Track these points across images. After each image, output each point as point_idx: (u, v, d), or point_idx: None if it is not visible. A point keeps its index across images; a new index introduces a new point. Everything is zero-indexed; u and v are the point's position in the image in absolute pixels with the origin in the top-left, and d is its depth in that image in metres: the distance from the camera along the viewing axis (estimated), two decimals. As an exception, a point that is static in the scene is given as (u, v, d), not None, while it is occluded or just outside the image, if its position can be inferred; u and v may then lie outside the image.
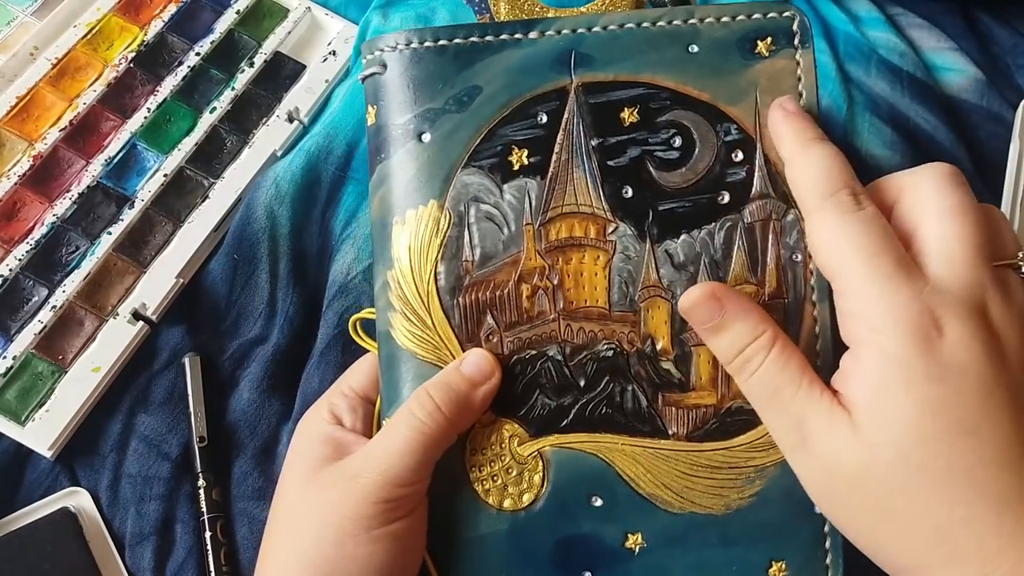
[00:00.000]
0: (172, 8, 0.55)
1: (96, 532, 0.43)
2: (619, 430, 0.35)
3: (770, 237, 0.35)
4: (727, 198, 0.35)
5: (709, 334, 0.32)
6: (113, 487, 0.44)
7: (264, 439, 0.45)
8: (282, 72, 0.55)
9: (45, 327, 0.46)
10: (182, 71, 0.53)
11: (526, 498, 0.35)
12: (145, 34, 0.54)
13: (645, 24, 0.36)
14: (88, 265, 0.47)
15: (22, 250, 0.47)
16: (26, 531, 0.43)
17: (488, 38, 0.36)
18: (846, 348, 0.31)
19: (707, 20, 0.36)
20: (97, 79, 0.52)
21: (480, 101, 0.36)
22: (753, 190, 0.35)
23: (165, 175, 0.50)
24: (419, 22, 0.55)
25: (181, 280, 0.48)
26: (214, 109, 0.53)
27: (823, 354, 0.34)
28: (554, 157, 0.36)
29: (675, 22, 0.36)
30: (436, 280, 0.35)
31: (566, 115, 0.36)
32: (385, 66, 0.37)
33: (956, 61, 0.54)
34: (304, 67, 0.55)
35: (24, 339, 0.45)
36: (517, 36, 0.36)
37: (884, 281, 0.29)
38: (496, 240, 0.36)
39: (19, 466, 0.45)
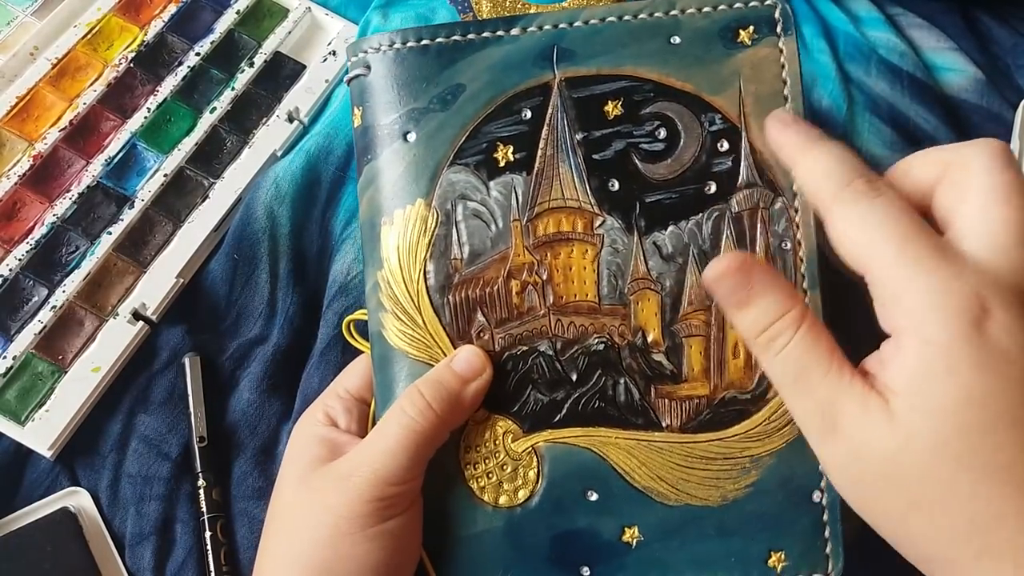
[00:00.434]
0: (172, 8, 0.55)
1: (96, 532, 0.43)
2: (612, 423, 0.35)
3: (758, 226, 0.35)
4: (714, 188, 0.35)
5: (733, 309, 0.30)
6: (113, 487, 0.44)
7: (264, 439, 0.45)
8: (282, 72, 0.55)
9: (45, 327, 0.46)
10: (182, 71, 0.53)
11: (521, 494, 0.35)
12: (145, 34, 0.54)
13: (626, 17, 0.36)
14: (88, 265, 0.47)
15: (22, 250, 0.47)
16: (26, 531, 0.43)
17: (470, 36, 0.36)
18: (841, 337, 0.31)
19: (688, 11, 0.36)
20: (97, 79, 0.52)
21: (464, 99, 0.36)
22: (740, 179, 0.35)
23: (165, 175, 0.50)
24: (419, 22, 0.55)
25: (181, 280, 0.48)
26: (214, 109, 0.53)
27: None
28: (539, 152, 0.36)
29: (656, 14, 0.36)
30: (425, 279, 0.36)
31: (550, 110, 0.36)
32: (369, 67, 0.37)
33: (956, 61, 0.54)
34: (304, 67, 0.55)
35: (24, 339, 0.45)
36: (499, 33, 0.36)
37: (919, 265, 0.27)
38: (484, 237, 0.36)
39: (19, 466, 0.45)
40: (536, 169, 0.36)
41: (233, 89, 0.53)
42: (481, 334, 0.35)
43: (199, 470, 0.44)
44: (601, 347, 0.35)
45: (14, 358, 0.45)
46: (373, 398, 0.37)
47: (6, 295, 0.46)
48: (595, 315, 0.35)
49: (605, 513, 0.35)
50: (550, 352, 0.35)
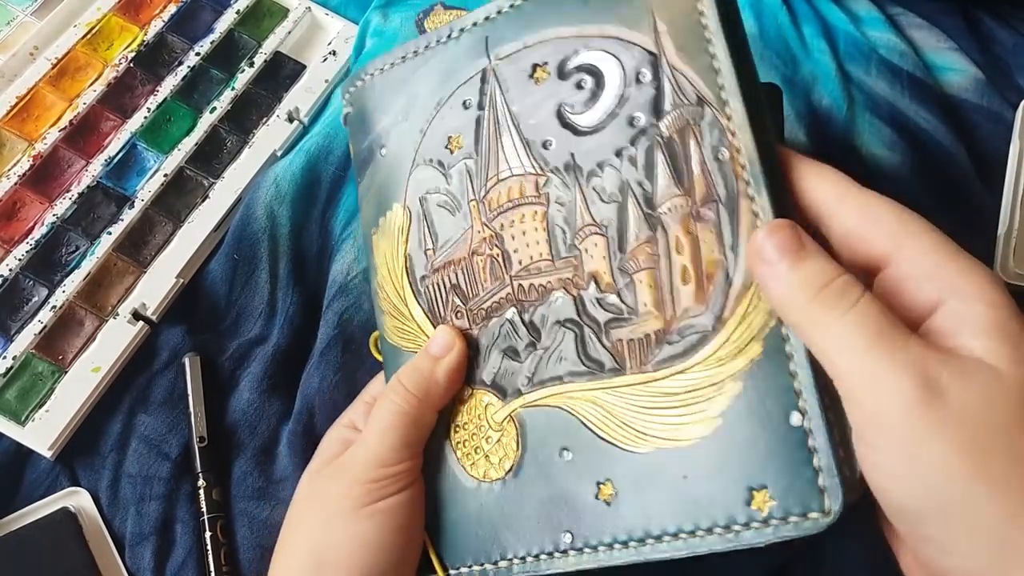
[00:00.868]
0: (172, 8, 0.55)
1: (96, 532, 0.43)
2: (579, 377, 0.34)
3: (691, 143, 0.33)
4: (642, 119, 0.34)
5: (790, 262, 0.28)
6: (113, 487, 0.44)
7: (264, 439, 0.45)
8: (282, 72, 0.55)
9: (45, 327, 0.46)
10: (182, 71, 0.53)
11: (505, 465, 0.35)
12: (145, 34, 0.54)
13: None
14: (88, 265, 0.47)
15: (22, 250, 0.47)
16: (26, 531, 0.43)
17: (418, 50, 0.40)
18: None
19: None
20: (97, 79, 0.52)
21: (419, 106, 0.39)
22: (665, 103, 0.34)
23: (165, 175, 0.50)
24: (419, 22, 0.55)
25: (181, 280, 0.48)
26: (214, 109, 0.53)
27: None
28: (483, 132, 0.37)
29: None
30: (407, 274, 0.39)
31: (488, 93, 0.38)
32: (352, 105, 0.42)
33: (956, 61, 0.54)
34: (304, 67, 0.55)
35: (24, 339, 0.45)
36: (441, 41, 0.39)
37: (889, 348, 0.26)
38: (450, 223, 0.38)
39: (19, 466, 0.45)
40: (482, 149, 0.37)
41: (233, 89, 0.53)
42: (456, 315, 0.37)
43: (199, 470, 0.44)
44: (559, 303, 0.35)
45: (14, 358, 0.45)
46: None
47: (6, 295, 0.46)
48: (552, 272, 0.35)
49: (581, 471, 0.33)
50: (516, 318, 0.36)
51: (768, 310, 0.30)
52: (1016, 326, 0.27)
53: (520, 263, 0.36)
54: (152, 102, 0.52)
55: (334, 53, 0.55)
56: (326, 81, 0.54)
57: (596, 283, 0.34)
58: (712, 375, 0.31)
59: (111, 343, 0.46)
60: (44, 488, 0.45)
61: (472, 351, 0.37)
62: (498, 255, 0.37)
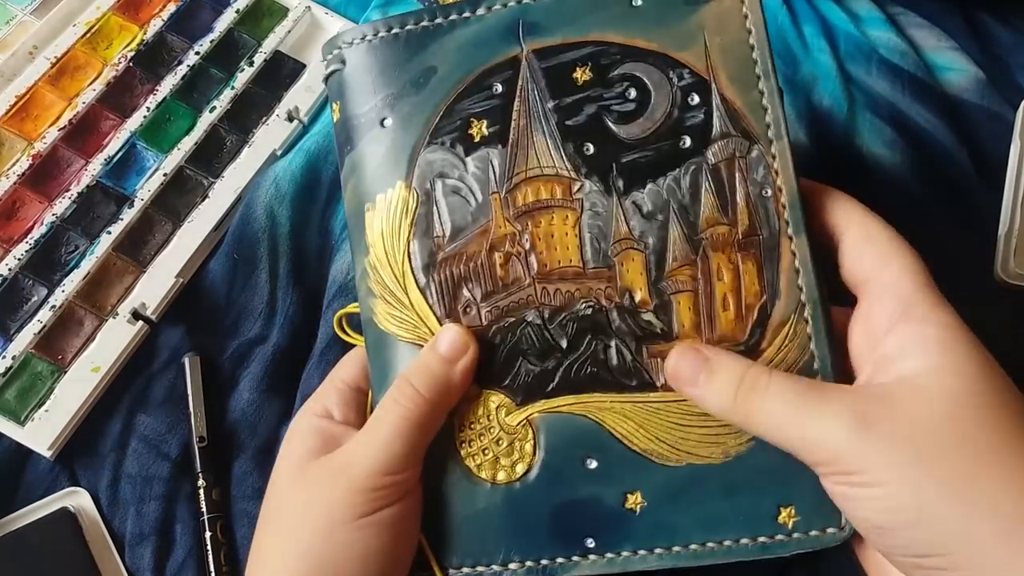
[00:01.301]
0: (172, 7, 0.55)
1: (96, 532, 0.43)
2: (606, 388, 0.34)
3: (736, 175, 0.34)
4: (688, 142, 0.35)
5: (704, 381, 0.32)
6: (113, 487, 0.44)
7: (264, 439, 0.45)
8: (282, 71, 0.55)
9: (45, 327, 0.46)
10: (182, 70, 0.53)
11: (519, 468, 0.35)
12: (145, 33, 0.54)
13: None
14: (88, 265, 0.47)
15: (21, 250, 0.47)
16: (26, 531, 0.43)
17: (438, 21, 0.37)
18: (831, 280, 0.32)
19: None
20: (96, 78, 0.52)
21: (436, 81, 0.36)
22: (714, 131, 0.35)
23: (165, 174, 0.50)
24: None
25: (181, 280, 0.48)
26: (214, 108, 0.53)
27: (807, 289, 0.34)
28: (513, 124, 0.36)
29: None
30: (410, 260, 0.36)
31: (520, 82, 0.36)
32: (344, 62, 0.38)
33: (957, 61, 0.54)
34: (304, 66, 0.55)
35: (24, 339, 0.45)
36: (466, 15, 0.37)
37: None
38: (464, 212, 0.36)
39: (19, 466, 0.45)
40: (511, 140, 0.36)
41: (233, 88, 0.53)
42: (467, 309, 0.36)
43: (199, 470, 0.44)
44: (589, 311, 0.35)
45: (14, 358, 0.45)
46: (370, 385, 0.37)
47: (5, 295, 0.46)
48: (581, 280, 0.35)
49: (606, 480, 0.34)
50: (538, 321, 0.35)
51: (803, 346, 0.33)
52: (954, 342, 0.30)
53: (546, 265, 0.35)
54: (152, 101, 0.52)
55: (334, 52, 0.55)
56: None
57: (631, 297, 0.35)
58: None
59: (111, 343, 0.46)
60: (44, 488, 0.45)
61: (483, 350, 0.35)
62: (520, 254, 0.36)
